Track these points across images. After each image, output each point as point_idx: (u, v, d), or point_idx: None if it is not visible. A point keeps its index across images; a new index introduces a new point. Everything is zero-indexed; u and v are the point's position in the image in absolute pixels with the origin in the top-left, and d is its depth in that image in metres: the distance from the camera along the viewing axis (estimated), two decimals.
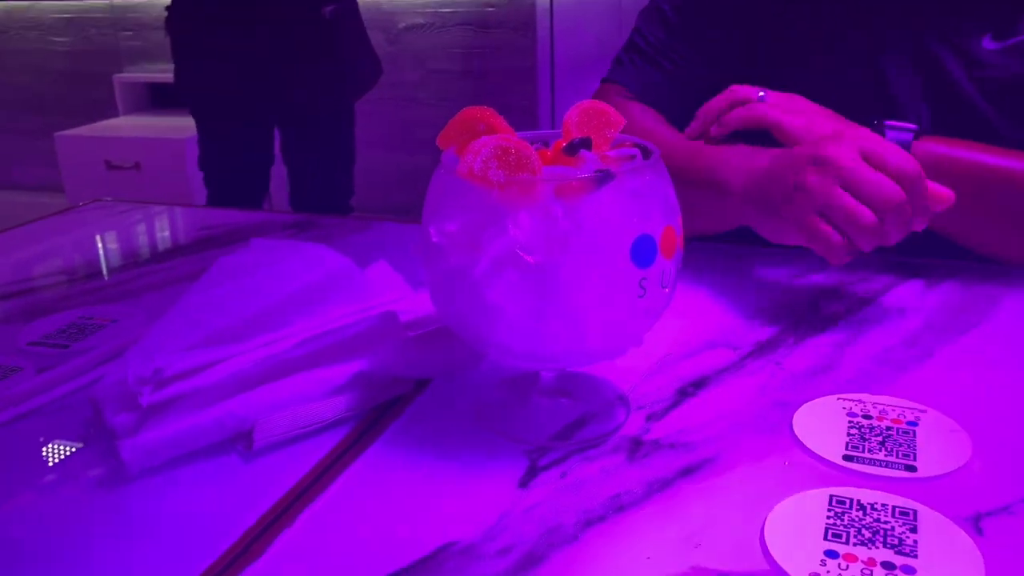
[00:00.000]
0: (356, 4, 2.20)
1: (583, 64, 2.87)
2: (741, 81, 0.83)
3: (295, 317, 0.63)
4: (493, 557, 0.45)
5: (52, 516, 0.50)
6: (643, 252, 0.48)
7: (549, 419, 0.57)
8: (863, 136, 0.68)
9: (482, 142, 0.48)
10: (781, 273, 0.80)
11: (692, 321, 0.71)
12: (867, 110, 0.79)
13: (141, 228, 1.05)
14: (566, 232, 0.47)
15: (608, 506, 0.49)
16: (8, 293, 0.84)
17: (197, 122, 2.22)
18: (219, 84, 2.11)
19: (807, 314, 0.72)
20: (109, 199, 1.13)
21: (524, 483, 0.51)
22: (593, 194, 0.48)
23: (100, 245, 1.01)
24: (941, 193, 0.67)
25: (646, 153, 0.52)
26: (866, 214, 0.65)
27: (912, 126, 0.75)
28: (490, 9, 2.70)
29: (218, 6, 2.05)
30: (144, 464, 0.53)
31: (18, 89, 3.35)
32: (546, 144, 0.54)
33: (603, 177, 0.48)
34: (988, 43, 0.81)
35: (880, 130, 0.75)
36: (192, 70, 2.15)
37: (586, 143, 0.51)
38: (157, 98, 3.20)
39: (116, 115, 3.16)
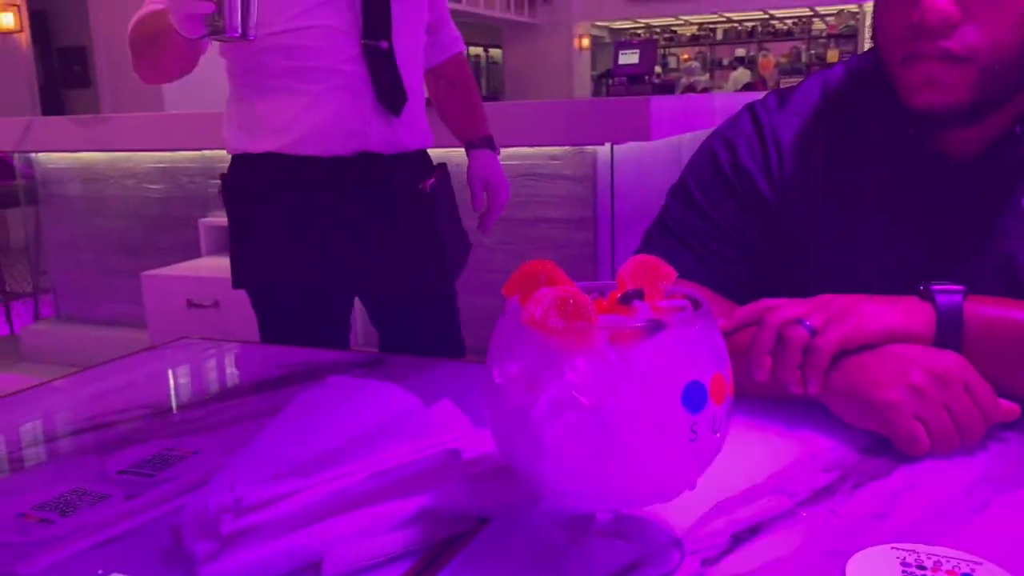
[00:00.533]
0: (448, 173, 1.73)
1: (642, 213, 2.97)
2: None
3: (365, 452, 0.66)
4: None
5: None
6: (694, 398, 0.51)
7: (604, 561, 0.59)
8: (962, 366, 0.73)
9: (543, 292, 0.53)
10: (836, 419, 0.81)
11: (748, 466, 0.72)
12: None
13: (222, 365, 1.12)
14: (619, 377, 0.51)
15: None
16: (99, 424, 0.90)
17: (258, 314, 1.69)
18: (288, 275, 1.59)
19: (863, 461, 0.72)
20: (194, 337, 1.21)
21: None
22: (645, 342, 0.51)
23: (183, 381, 1.07)
24: (1012, 410, 0.74)
25: (696, 304, 0.56)
26: (955, 437, 0.72)
27: (959, 288, 0.77)
28: (554, 162, 2.84)
29: (286, 175, 1.53)
30: None
31: (112, 233, 3.59)
32: (602, 294, 0.58)
33: (655, 326, 0.51)
34: None
35: (929, 295, 0.77)
36: (253, 259, 1.62)
37: (639, 294, 0.55)
38: None
39: (199, 256, 3.35)
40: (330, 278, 1.59)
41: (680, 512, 0.64)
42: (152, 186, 3.50)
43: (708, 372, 0.52)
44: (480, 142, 1.77)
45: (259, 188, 1.56)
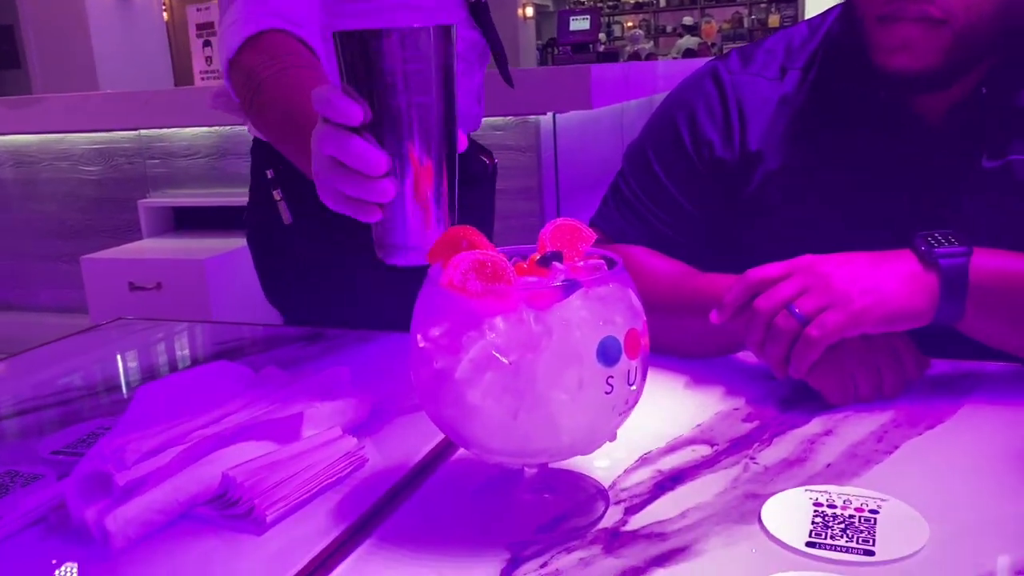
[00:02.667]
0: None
1: (587, 182, 2.99)
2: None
3: (231, 399, 0.71)
4: None
5: None
6: (609, 353, 0.53)
7: (532, 514, 0.61)
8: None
9: (462, 256, 0.54)
10: (759, 370, 0.84)
11: (673, 419, 0.75)
12: None
13: (158, 344, 1.11)
14: (537, 335, 0.52)
15: None
16: (34, 407, 0.89)
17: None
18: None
19: (783, 412, 0.75)
20: (129, 318, 1.20)
21: (507, 574, 0.55)
22: (561, 301, 0.53)
23: (118, 361, 1.07)
24: (926, 363, 0.78)
25: (611, 264, 0.58)
26: (878, 394, 0.76)
27: (961, 248, 0.74)
28: (497, 132, 2.84)
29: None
30: (133, 535, 0.59)
31: (48, 217, 3.50)
32: (524, 258, 0.60)
33: (570, 285, 0.53)
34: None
35: (931, 258, 0.74)
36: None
37: (557, 256, 0.57)
38: (180, 221, 3.34)
39: (140, 238, 3.29)
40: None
41: (607, 465, 0.67)
42: (88, 168, 3.41)
43: (623, 328, 0.54)
44: None
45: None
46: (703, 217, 0.96)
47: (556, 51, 7.20)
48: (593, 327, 0.53)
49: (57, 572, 0.57)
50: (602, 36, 10.06)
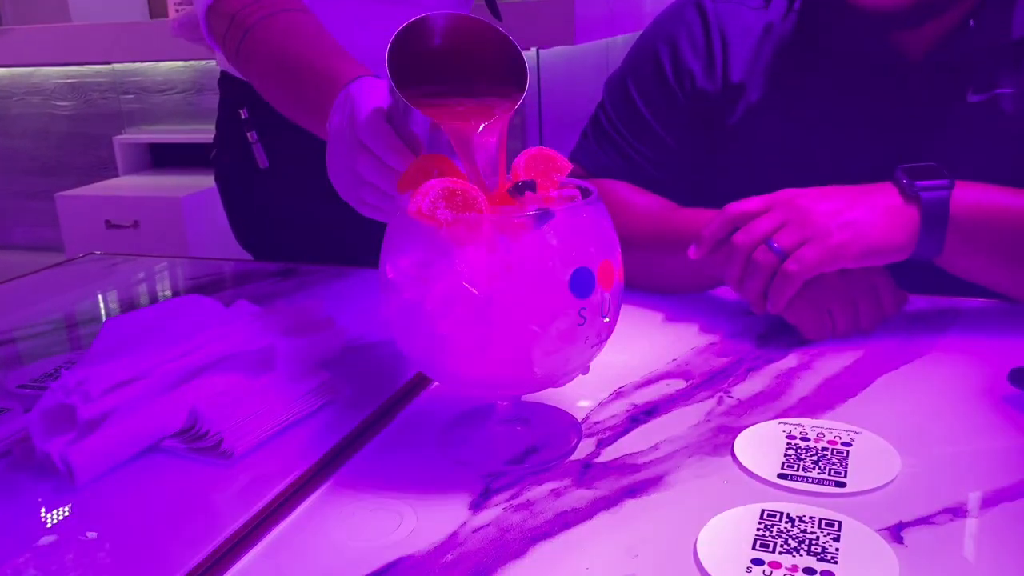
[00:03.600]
0: None
1: (571, 119, 2.95)
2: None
3: (200, 332, 0.70)
4: (442, 570, 0.48)
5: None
6: (582, 284, 0.52)
7: (505, 445, 0.60)
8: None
9: (431, 184, 0.52)
10: (737, 306, 0.83)
11: (649, 353, 0.74)
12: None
13: (129, 279, 1.09)
14: (508, 266, 0.51)
15: (554, 523, 0.52)
16: (2, 341, 0.88)
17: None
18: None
19: (759, 347, 0.75)
20: (100, 253, 1.18)
21: (477, 504, 0.54)
22: (533, 231, 0.52)
23: (90, 296, 1.05)
24: (903, 298, 0.78)
25: (585, 193, 0.56)
26: (855, 328, 0.76)
27: (943, 182, 0.73)
28: None
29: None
30: (96, 469, 0.58)
31: (20, 153, 3.43)
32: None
33: (542, 215, 0.52)
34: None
35: (912, 191, 0.73)
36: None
37: (530, 185, 0.55)
38: (157, 158, 3.28)
39: (116, 175, 3.23)
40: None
41: (581, 397, 0.66)
42: (61, 103, 3.33)
43: (596, 259, 0.53)
44: None
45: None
46: (684, 150, 0.94)
47: None
48: (565, 258, 0.52)
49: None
50: None
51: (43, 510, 0.56)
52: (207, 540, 0.51)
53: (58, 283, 1.09)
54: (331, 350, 0.75)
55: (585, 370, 0.57)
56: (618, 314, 0.56)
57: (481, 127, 0.56)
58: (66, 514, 0.56)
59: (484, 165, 0.56)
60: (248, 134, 1.06)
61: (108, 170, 3.23)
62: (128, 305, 1.00)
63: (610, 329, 0.56)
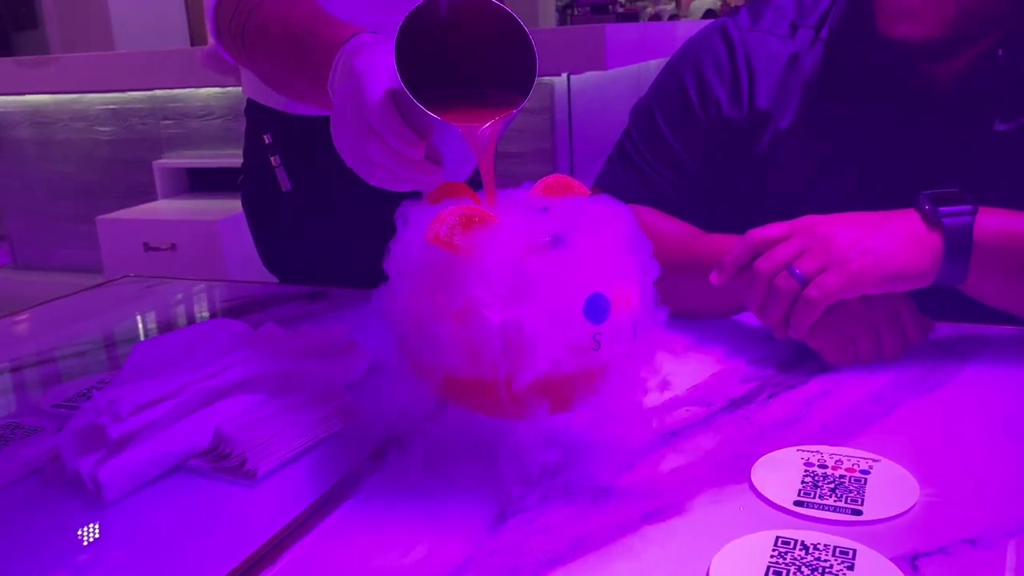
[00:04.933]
0: None
1: (602, 145, 2.96)
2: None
3: (227, 354, 0.72)
4: None
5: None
6: (596, 309, 0.53)
7: (523, 469, 0.60)
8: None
9: (448, 210, 0.53)
10: (759, 331, 0.83)
11: (670, 378, 0.74)
12: None
13: (165, 301, 1.12)
14: (523, 290, 0.52)
15: (570, 548, 0.52)
16: (39, 361, 0.90)
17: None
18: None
19: (780, 373, 0.75)
20: (135, 275, 1.20)
21: (494, 527, 0.55)
22: (547, 256, 0.52)
23: (124, 317, 1.07)
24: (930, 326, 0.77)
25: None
26: (878, 356, 0.75)
27: (967, 207, 0.72)
28: None
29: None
30: (124, 487, 0.60)
31: (64, 177, 3.52)
32: None
33: (556, 241, 0.53)
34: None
35: (935, 217, 0.72)
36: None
37: (560, 240, 0.56)
38: (194, 182, 3.34)
39: (155, 199, 3.30)
40: None
41: (600, 422, 0.66)
42: (103, 128, 3.42)
43: (611, 284, 0.54)
44: None
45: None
46: (708, 177, 0.94)
47: (575, 12, 7.12)
48: (580, 283, 0.52)
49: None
50: None
51: (72, 527, 0.58)
52: (229, 558, 0.52)
53: (95, 305, 1.12)
54: (355, 372, 0.76)
55: (601, 394, 0.57)
56: (632, 341, 0.56)
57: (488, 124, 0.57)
58: (94, 531, 0.57)
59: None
60: (271, 158, 1.09)
61: (148, 194, 3.30)
62: (164, 326, 1.02)
63: (629, 355, 0.56)
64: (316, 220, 1.12)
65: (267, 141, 1.10)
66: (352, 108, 0.64)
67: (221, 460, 0.63)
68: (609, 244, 0.55)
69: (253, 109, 1.15)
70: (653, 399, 0.70)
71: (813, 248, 0.74)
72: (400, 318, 0.56)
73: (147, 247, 2.98)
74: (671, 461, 0.61)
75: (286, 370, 0.71)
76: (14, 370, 0.89)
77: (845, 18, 0.88)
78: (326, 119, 0.70)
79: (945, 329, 0.80)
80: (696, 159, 0.94)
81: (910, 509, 0.54)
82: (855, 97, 0.87)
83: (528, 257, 0.52)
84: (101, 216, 3.05)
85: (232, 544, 0.55)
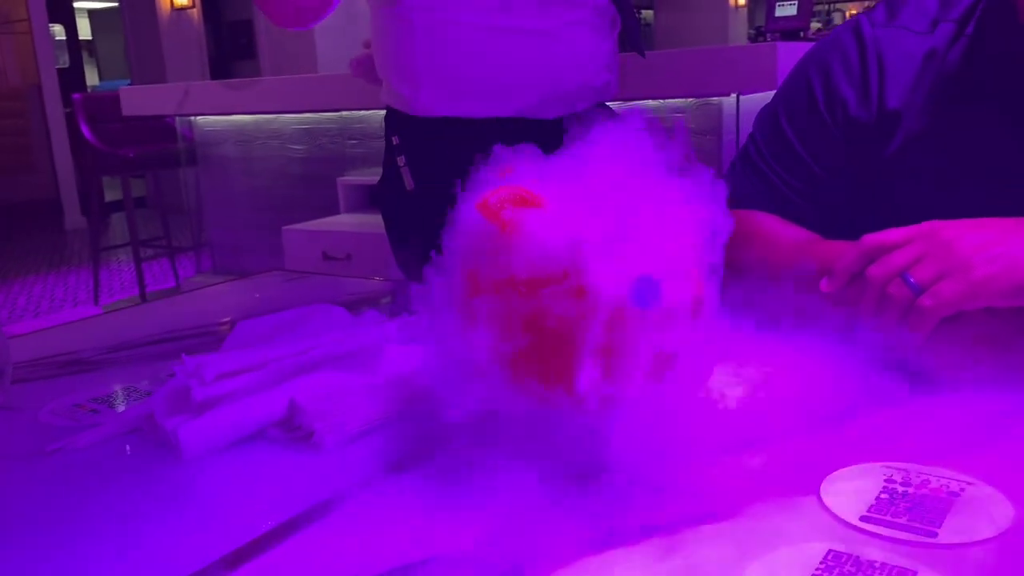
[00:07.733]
0: None
1: None
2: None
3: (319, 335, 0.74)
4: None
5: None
6: (642, 292, 0.50)
7: (575, 462, 0.58)
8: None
9: (504, 187, 0.53)
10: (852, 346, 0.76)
11: (760, 385, 0.69)
12: None
13: (296, 292, 1.18)
14: (563, 269, 0.50)
15: (597, 542, 0.50)
16: (167, 338, 0.98)
17: None
18: None
19: (879, 383, 0.68)
20: (273, 271, 1.28)
21: (543, 507, 0.53)
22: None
23: (255, 303, 1.14)
24: None
25: None
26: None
27: None
28: (676, 115, 2.77)
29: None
30: (202, 447, 0.63)
31: (258, 191, 3.81)
32: None
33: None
34: None
35: None
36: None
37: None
38: (375, 198, 3.52)
39: (338, 213, 3.51)
40: None
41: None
42: (295, 146, 3.68)
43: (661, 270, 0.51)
44: None
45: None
46: (834, 182, 0.88)
47: (764, 38, 6.92)
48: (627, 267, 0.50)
49: None
50: (818, 24, 9.55)
51: (152, 480, 0.62)
52: (282, 511, 0.54)
53: (237, 293, 1.20)
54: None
55: (664, 389, 0.55)
56: (697, 331, 0.53)
57: None
58: (170, 485, 0.61)
59: None
60: (398, 159, 1.13)
61: (332, 209, 3.51)
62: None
63: (683, 344, 0.53)
64: (439, 220, 1.15)
65: (395, 142, 1.14)
66: None
67: (294, 431, 0.66)
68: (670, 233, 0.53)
69: (389, 114, 1.20)
70: (731, 401, 0.66)
71: (932, 254, 0.67)
72: (440, 304, 0.56)
73: (325, 256, 3.17)
74: (736, 466, 0.57)
75: (368, 351, 0.72)
76: (145, 343, 0.96)
77: (990, 9, 0.80)
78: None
79: None
80: (821, 164, 0.88)
81: (997, 536, 0.47)
82: (993, 96, 0.78)
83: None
84: (286, 226, 3.27)
85: (281, 505, 0.56)
